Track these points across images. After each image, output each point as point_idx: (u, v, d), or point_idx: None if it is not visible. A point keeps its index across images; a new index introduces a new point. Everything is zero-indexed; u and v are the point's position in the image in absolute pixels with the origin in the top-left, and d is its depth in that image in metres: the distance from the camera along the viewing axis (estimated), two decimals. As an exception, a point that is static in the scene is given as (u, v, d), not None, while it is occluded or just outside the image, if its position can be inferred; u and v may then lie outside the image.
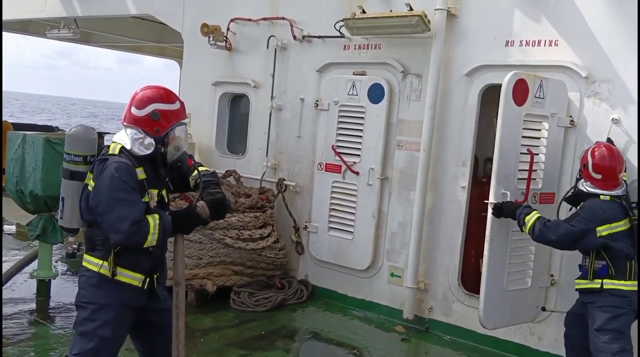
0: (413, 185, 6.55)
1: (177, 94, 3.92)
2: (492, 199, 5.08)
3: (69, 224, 3.88)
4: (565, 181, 5.67)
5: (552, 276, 5.73)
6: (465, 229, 6.38)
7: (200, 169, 3.99)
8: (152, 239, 3.55)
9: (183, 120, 3.82)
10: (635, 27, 5.35)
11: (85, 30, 11.60)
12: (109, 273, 3.63)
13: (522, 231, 5.00)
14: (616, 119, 5.45)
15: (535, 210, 4.96)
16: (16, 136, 6.37)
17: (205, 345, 5.70)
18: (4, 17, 8.80)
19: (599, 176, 4.81)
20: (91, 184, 3.65)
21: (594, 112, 5.56)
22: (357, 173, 7.00)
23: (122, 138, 3.72)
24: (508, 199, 5.11)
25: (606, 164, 4.81)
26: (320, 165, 7.33)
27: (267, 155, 7.86)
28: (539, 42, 5.86)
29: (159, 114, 3.68)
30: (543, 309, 5.59)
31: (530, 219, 4.85)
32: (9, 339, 5.43)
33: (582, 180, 4.91)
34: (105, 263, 3.64)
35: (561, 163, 5.68)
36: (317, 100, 7.35)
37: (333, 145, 7.16)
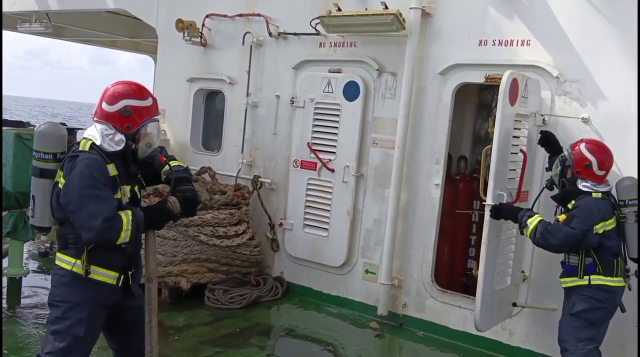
0: (388, 182, 6.60)
1: (150, 90, 3.87)
2: (489, 200, 5.07)
3: (41, 223, 3.85)
4: (537, 179, 5.77)
5: (522, 272, 5.82)
6: (438, 226, 6.44)
7: (173, 163, 3.96)
8: (125, 236, 3.50)
9: (155, 117, 3.77)
10: (604, 27, 5.47)
11: (57, 25, 11.40)
12: (82, 271, 3.58)
13: (522, 234, 4.97)
14: (586, 118, 5.55)
15: (537, 213, 4.96)
16: (-14, 132, 6.25)
17: (180, 343, 5.67)
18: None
19: (602, 173, 4.80)
20: (61, 181, 3.58)
21: (564, 111, 5.66)
22: (333, 170, 7.03)
23: (93, 134, 3.66)
24: (504, 200, 5.11)
25: (608, 159, 4.84)
26: (296, 162, 7.34)
27: (242, 152, 7.84)
28: (512, 41, 5.94)
29: (130, 110, 3.63)
30: (514, 304, 5.68)
31: (533, 222, 4.79)
32: (-21, 338, 5.34)
33: (580, 180, 4.81)
34: (78, 261, 3.59)
35: (534, 161, 5.76)
36: (292, 98, 7.35)
37: (309, 143, 7.18)
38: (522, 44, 5.91)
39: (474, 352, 6.07)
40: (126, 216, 3.52)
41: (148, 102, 3.73)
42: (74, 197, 3.47)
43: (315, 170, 7.18)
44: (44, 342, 3.69)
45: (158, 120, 3.82)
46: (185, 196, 3.82)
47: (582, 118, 5.56)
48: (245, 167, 7.81)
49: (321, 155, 7.10)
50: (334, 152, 7.03)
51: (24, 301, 6.40)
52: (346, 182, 6.94)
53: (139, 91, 3.72)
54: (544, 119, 5.70)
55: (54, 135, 3.83)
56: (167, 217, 3.80)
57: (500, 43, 6.02)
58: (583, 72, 5.58)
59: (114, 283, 3.68)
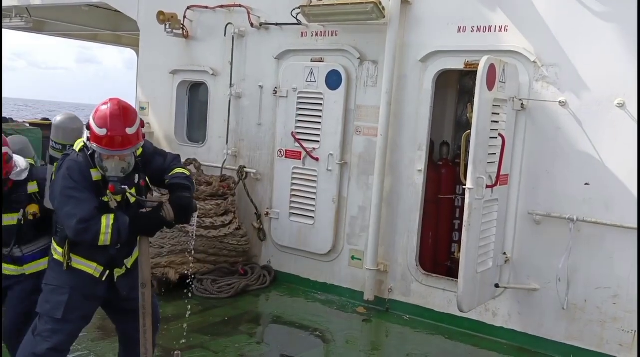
0: (371, 169, 6.69)
1: (132, 109, 3.81)
2: (469, 184, 5.15)
3: (49, 205, 4.01)
4: (517, 163, 5.88)
5: (505, 254, 5.94)
6: (422, 211, 6.54)
7: (176, 171, 3.99)
8: (104, 239, 3.59)
9: (106, 148, 3.61)
10: (580, 11, 5.56)
11: (38, 19, 11.35)
12: (62, 259, 3.76)
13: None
14: (563, 102, 5.65)
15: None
16: (-31, 128, 6.23)
17: (170, 332, 5.73)
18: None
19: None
20: (53, 176, 3.76)
21: (542, 96, 5.75)
22: (317, 159, 7.10)
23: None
24: (485, 183, 5.17)
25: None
26: (281, 152, 7.40)
27: (227, 143, 7.88)
28: (490, 27, 6.03)
29: (88, 128, 3.70)
30: (496, 285, 5.80)
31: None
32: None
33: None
34: (60, 249, 3.79)
35: (513, 145, 5.87)
36: (275, 88, 7.40)
37: (293, 132, 7.24)
38: (500, 30, 5.99)
39: (458, 333, 6.20)
40: (106, 220, 3.59)
41: (100, 132, 3.61)
42: (57, 196, 3.65)
43: (300, 159, 7.24)
44: (33, 324, 3.85)
45: (113, 155, 3.65)
46: (179, 204, 3.84)
47: (560, 102, 5.66)
48: (231, 158, 7.86)
49: (305, 145, 7.17)
50: (318, 141, 7.09)
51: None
52: (331, 171, 7.01)
53: (100, 117, 3.65)
54: (522, 104, 5.80)
55: (65, 127, 4.06)
56: (159, 224, 3.82)
57: (478, 29, 6.09)
58: (560, 56, 5.68)
59: (96, 275, 3.81)
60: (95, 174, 3.69)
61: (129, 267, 3.97)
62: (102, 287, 3.87)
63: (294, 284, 7.39)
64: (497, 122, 5.51)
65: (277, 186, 7.48)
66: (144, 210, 3.90)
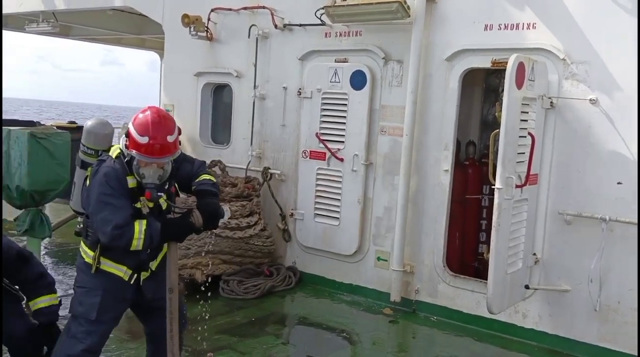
0: (397, 170, 6.64)
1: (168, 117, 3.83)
2: (498, 184, 5.07)
3: (77, 208, 4.19)
4: (546, 162, 5.79)
5: (534, 254, 5.85)
6: (448, 211, 6.48)
7: (202, 177, 4.03)
8: (137, 244, 3.66)
9: (146, 156, 3.65)
10: (610, 8, 5.46)
11: (64, 24, 11.51)
12: (92, 262, 3.83)
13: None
14: (594, 100, 5.55)
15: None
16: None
17: (197, 333, 5.74)
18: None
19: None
20: (89, 180, 3.82)
21: (571, 93, 5.66)
22: (342, 159, 7.07)
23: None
24: (514, 183, 5.11)
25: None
26: (305, 152, 7.39)
27: (251, 144, 7.90)
28: (517, 25, 5.95)
29: (127, 135, 3.73)
30: (526, 287, 5.71)
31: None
32: None
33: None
34: (91, 252, 3.85)
35: (542, 144, 5.78)
36: (300, 89, 7.40)
37: (317, 133, 7.22)
38: (528, 27, 5.91)
39: (487, 335, 6.12)
40: (139, 226, 3.66)
41: (142, 140, 3.65)
42: (93, 202, 3.70)
43: (324, 160, 7.22)
44: (67, 325, 3.93)
45: (152, 162, 3.69)
46: (208, 210, 3.89)
47: (590, 99, 5.56)
48: (255, 159, 7.87)
49: (330, 145, 7.15)
50: (343, 142, 7.07)
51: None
52: (356, 171, 6.98)
53: (141, 124, 3.69)
54: (551, 102, 5.71)
55: (97, 133, 4.18)
56: (188, 230, 3.88)
57: (506, 27, 6.02)
58: (590, 53, 5.58)
59: (125, 278, 3.88)
60: (131, 181, 3.75)
61: (153, 269, 4.03)
62: (131, 290, 3.95)
63: (319, 285, 7.37)
64: (526, 121, 5.43)
65: (302, 187, 7.47)
66: (171, 215, 3.98)
